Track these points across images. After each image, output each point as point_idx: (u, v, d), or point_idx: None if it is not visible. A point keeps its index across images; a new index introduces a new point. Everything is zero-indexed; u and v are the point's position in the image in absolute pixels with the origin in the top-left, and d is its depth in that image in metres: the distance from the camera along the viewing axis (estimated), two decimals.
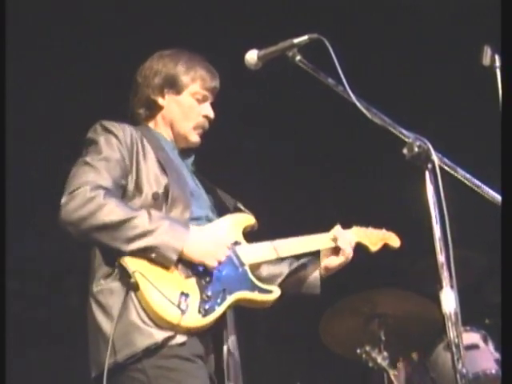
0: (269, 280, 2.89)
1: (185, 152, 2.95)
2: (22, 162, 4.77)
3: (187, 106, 2.89)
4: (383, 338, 4.44)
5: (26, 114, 4.82)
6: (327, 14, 4.98)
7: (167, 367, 2.47)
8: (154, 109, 2.92)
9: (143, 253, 2.51)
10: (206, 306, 2.52)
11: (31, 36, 4.74)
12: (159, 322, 2.46)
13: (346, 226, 3.10)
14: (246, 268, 2.71)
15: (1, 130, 2.96)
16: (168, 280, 2.52)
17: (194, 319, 2.49)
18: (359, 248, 3.09)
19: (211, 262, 2.58)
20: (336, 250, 2.96)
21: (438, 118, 5.44)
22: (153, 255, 2.51)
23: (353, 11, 5.15)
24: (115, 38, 4.93)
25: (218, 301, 2.56)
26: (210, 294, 2.55)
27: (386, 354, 4.30)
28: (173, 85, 2.88)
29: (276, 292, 2.73)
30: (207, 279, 2.58)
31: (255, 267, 2.79)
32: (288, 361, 5.76)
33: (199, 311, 2.50)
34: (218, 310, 2.55)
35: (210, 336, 2.63)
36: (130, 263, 2.50)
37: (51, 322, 5.09)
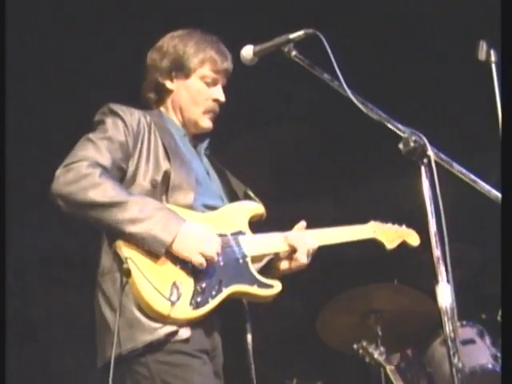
0: None
1: (197, 138, 2.87)
2: (22, 157, 4.77)
3: (195, 90, 2.80)
4: (380, 333, 4.45)
5: (26, 112, 4.82)
6: (324, 9, 4.98)
7: (170, 363, 2.43)
8: (163, 93, 2.84)
9: (131, 239, 2.44)
10: (198, 299, 2.45)
11: (31, 35, 4.73)
12: (149, 312, 2.41)
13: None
14: (248, 260, 2.62)
15: (1, 130, 2.92)
16: (161, 269, 2.46)
17: (185, 311, 2.43)
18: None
19: (198, 260, 2.47)
20: (291, 253, 2.74)
21: (435, 113, 5.44)
22: (141, 244, 2.45)
23: (350, 6, 5.15)
24: (114, 36, 4.92)
25: (213, 293, 2.49)
26: (204, 285, 2.48)
27: (382, 349, 4.29)
28: (181, 68, 2.78)
29: (277, 287, 2.63)
30: (204, 269, 2.49)
31: (258, 259, 2.70)
32: (285, 356, 5.76)
33: (190, 303, 2.44)
34: (212, 303, 2.48)
35: (219, 330, 2.60)
36: (124, 249, 2.45)
37: (50, 319, 5.09)
